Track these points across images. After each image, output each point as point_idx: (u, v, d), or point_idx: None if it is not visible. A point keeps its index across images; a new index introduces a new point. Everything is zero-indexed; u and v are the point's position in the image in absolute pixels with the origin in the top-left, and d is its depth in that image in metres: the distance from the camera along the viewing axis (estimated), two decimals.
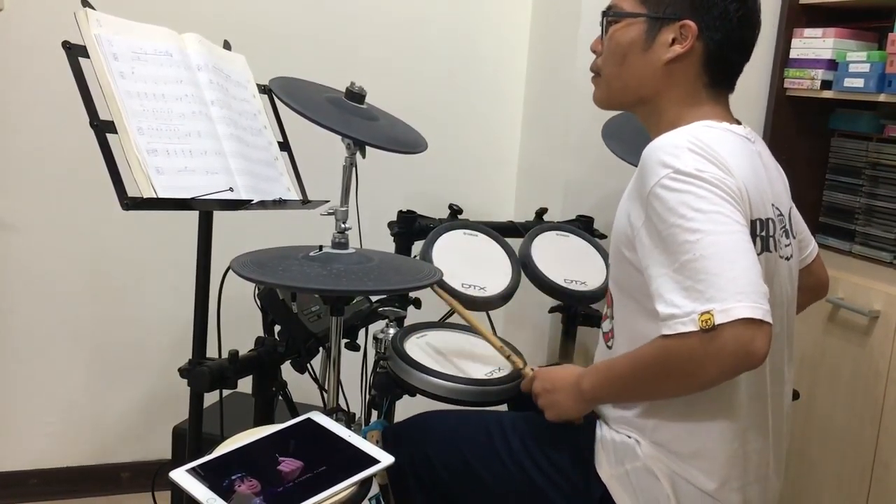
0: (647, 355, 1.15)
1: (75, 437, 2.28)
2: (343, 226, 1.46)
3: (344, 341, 1.67)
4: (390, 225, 2.01)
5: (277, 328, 1.62)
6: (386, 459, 1.17)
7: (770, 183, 1.26)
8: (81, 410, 2.28)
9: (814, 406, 2.06)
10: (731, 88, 1.32)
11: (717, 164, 1.14)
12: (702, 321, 1.04)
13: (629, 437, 1.25)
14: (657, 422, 1.23)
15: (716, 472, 1.20)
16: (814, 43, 2.24)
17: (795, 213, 1.42)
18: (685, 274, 1.07)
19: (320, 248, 1.44)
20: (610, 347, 1.33)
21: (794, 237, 1.35)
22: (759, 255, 1.16)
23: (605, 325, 1.35)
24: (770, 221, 1.22)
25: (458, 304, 1.56)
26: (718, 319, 1.03)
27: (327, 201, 1.55)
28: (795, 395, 1.58)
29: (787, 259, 1.29)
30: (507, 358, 1.46)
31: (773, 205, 1.24)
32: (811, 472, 2.08)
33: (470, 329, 1.71)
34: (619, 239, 1.26)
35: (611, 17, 1.31)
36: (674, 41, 1.25)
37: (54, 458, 2.27)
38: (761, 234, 1.19)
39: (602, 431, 1.29)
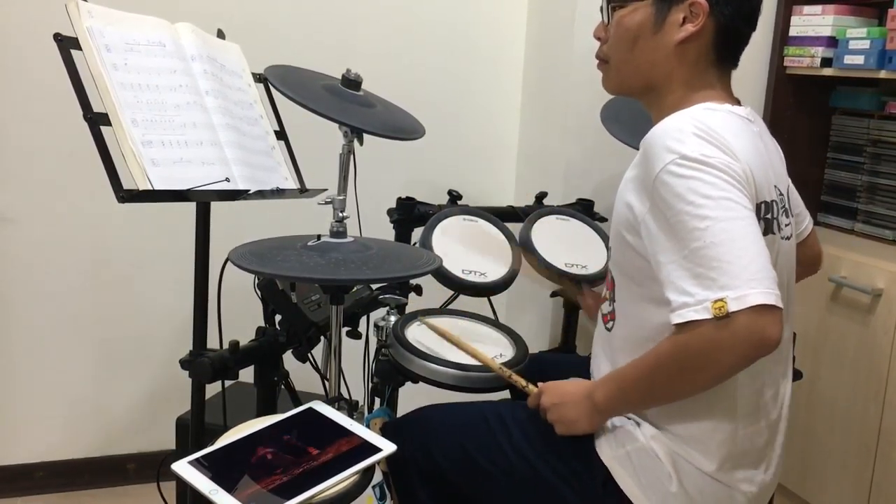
0: (659, 355, 1.13)
1: (80, 429, 2.29)
2: (341, 214, 1.45)
3: (345, 329, 1.67)
4: (389, 212, 2.00)
5: (278, 318, 1.61)
6: (388, 447, 1.17)
7: (771, 163, 1.25)
8: (85, 403, 2.28)
9: (818, 385, 2.06)
10: (736, 65, 1.30)
11: (722, 149, 1.12)
12: (715, 308, 1.03)
13: (629, 418, 1.25)
14: (654, 408, 1.22)
15: (714, 454, 1.20)
16: (813, 20, 2.22)
17: (792, 189, 1.42)
18: (695, 261, 1.06)
19: (318, 237, 1.44)
20: (609, 329, 1.32)
21: (792, 215, 1.34)
22: (764, 236, 1.15)
23: (605, 307, 1.34)
24: (773, 203, 1.21)
25: (452, 336, 1.54)
26: (732, 307, 1.02)
27: (325, 189, 1.54)
28: (798, 375, 1.57)
29: (787, 238, 1.28)
30: (509, 378, 1.43)
31: (775, 186, 1.23)
32: (816, 450, 2.08)
33: (471, 315, 1.71)
34: (621, 223, 1.24)
35: (615, 2, 1.28)
36: (685, 20, 1.23)
37: (60, 450, 2.28)
38: (766, 216, 1.18)
39: None
